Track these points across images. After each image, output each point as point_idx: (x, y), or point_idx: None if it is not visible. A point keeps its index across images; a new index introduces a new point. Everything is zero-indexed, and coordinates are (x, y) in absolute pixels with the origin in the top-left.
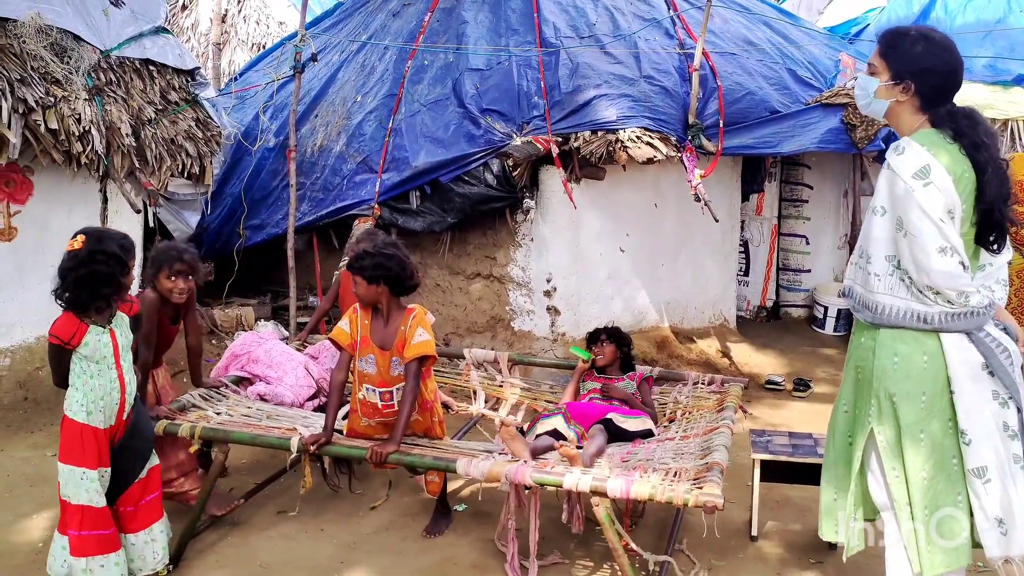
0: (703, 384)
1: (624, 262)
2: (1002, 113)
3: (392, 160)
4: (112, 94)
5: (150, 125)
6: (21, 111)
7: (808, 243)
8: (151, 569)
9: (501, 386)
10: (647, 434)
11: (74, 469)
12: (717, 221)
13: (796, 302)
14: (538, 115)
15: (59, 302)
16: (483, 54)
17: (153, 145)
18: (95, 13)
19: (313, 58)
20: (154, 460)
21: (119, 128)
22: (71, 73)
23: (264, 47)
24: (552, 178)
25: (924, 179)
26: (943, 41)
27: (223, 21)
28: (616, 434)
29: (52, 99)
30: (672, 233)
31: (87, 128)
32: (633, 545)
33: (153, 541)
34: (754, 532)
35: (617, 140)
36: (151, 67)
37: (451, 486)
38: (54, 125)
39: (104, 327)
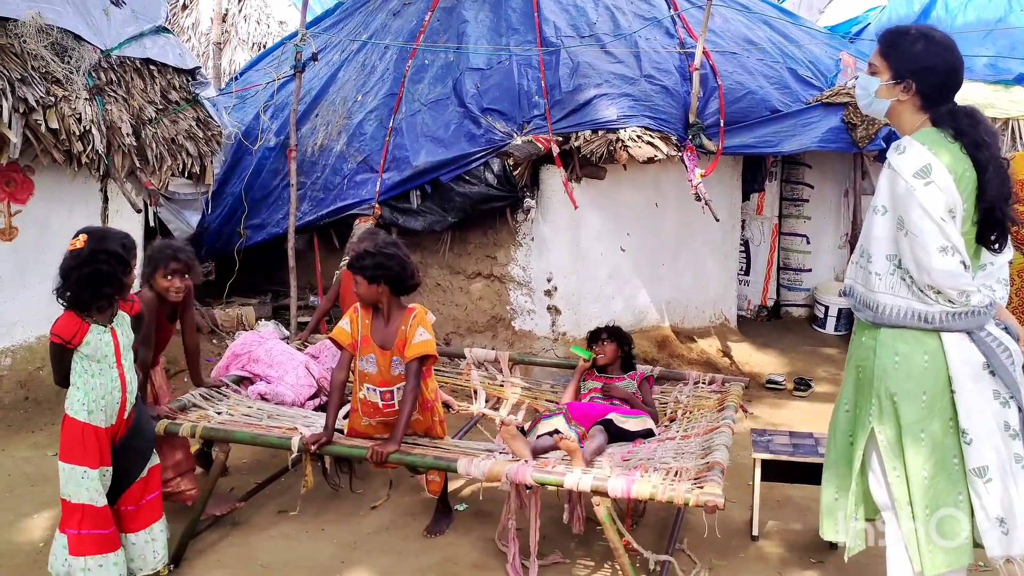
0: (704, 383)
1: (625, 261)
2: (1003, 112)
3: (393, 159)
4: (113, 94)
5: (151, 125)
6: (22, 111)
7: (809, 242)
8: (151, 569)
9: (502, 386)
10: (648, 434)
11: (75, 468)
12: (718, 220)
13: (797, 301)
14: (539, 114)
15: (60, 301)
16: (484, 53)
17: (154, 145)
18: (96, 13)
19: (314, 57)
20: (155, 460)
21: (120, 128)
22: (72, 73)
23: (265, 46)
24: (553, 177)
25: (925, 178)
26: (943, 40)
27: (223, 20)
28: (617, 434)
29: (53, 99)
30: (673, 232)
31: (88, 128)
32: (635, 544)
33: (153, 540)
34: (755, 532)
35: (618, 139)
36: (152, 67)
37: (452, 486)
38: (55, 125)
39: (105, 326)
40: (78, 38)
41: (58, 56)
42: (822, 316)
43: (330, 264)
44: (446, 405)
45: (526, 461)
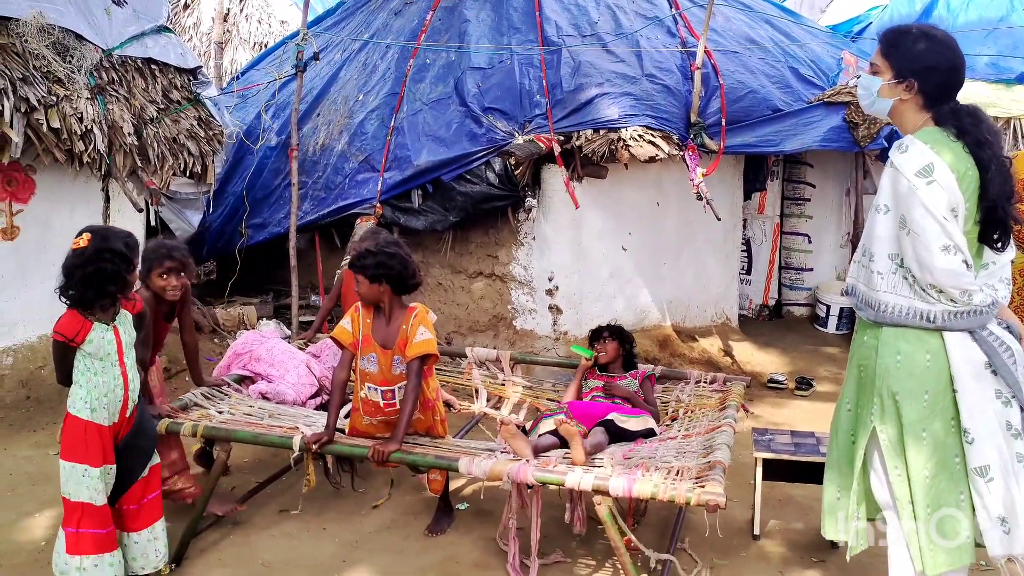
0: (705, 383)
1: (626, 261)
2: (1005, 111)
3: (394, 159)
4: (114, 93)
5: (152, 124)
6: (23, 110)
7: (810, 242)
8: (153, 567)
9: (503, 385)
10: (649, 433)
11: (75, 466)
12: (719, 220)
13: (798, 301)
14: (540, 114)
15: (63, 299)
16: (485, 53)
17: (155, 144)
18: (97, 12)
19: (315, 57)
20: (155, 459)
21: (121, 127)
22: (73, 72)
23: (266, 46)
24: (554, 177)
25: (927, 177)
26: (945, 39)
27: (225, 20)
28: (618, 435)
29: (54, 98)
30: (674, 232)
31: (89, 127)
32: (636, 542)
33: (155, 539)
34: (756, 531)
35: (619, 139)
36: (153, 66)
37: (453, 485)
38: (56, 124)
39: (108, 324)
40: (80, 37)
41: (60, 55)
42: (824, 315)
43: (331, 263)
44: (447, 404)
45: (527, 460)
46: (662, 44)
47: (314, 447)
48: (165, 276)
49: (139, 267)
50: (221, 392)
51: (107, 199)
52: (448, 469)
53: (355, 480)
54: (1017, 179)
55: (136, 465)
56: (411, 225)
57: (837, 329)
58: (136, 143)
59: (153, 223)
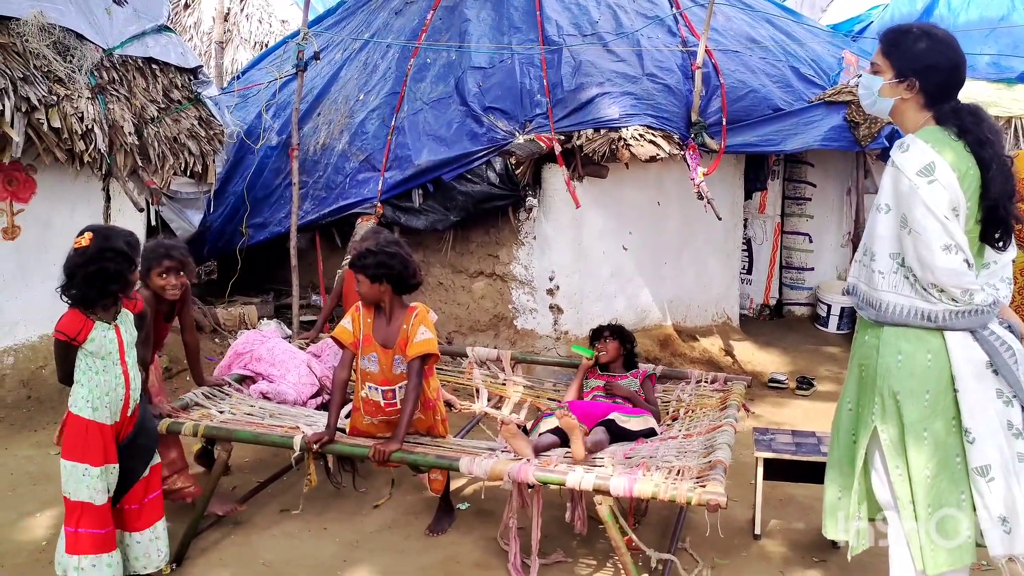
0: (706, 382)
1: (627, 260)
2: (1006, 111)
3: (395, 158)
4: (115, 93)
5: (153, 124)
6: (24, 110)
7: (811, 241)
8: (155, 567)
9: (504, 384)
10: (650, 433)
11: (76, 465)
12: (720, 219)
13: (799, 300)
14: (541, 113)
15: (65, 299)
16: (486, 52)
17: (156, 144)
18: (98, 12)
19: (316, 56)
20: (155, 458)
21: (122, 127)
22: (74, 72)
23: (267, 45)
24: (555, 176)
25: (929, 176)
26: (945, 38)
27: (225, 19)
28: (618, 434)
29: (55, 98)
30: (675, 231)
31: (90, 127)
32: (637, 542)
33: (157, 539)
34: (757, 530)
35: (620, 138)
36: (154, 65)
37: (454, 484)
38: (57, 124)
39: (110, 323)
40: (80, 37)
41: (60, 55)
42: (824, 315)
43: (332, 263)
44: (448, 404)
45: (528, 460)
46: (663, 43)
47: (315, 447)
48: (164, 275)
49: (139, 266)
50: (222, 392)
51: (108, 199)
52: (449, 469)
53: (356, 480)
54: (1018, 178)
55: (138, 465)
56: (412, 225)
57: (838, 329)
58: (137, 143)
59: (154, 223)
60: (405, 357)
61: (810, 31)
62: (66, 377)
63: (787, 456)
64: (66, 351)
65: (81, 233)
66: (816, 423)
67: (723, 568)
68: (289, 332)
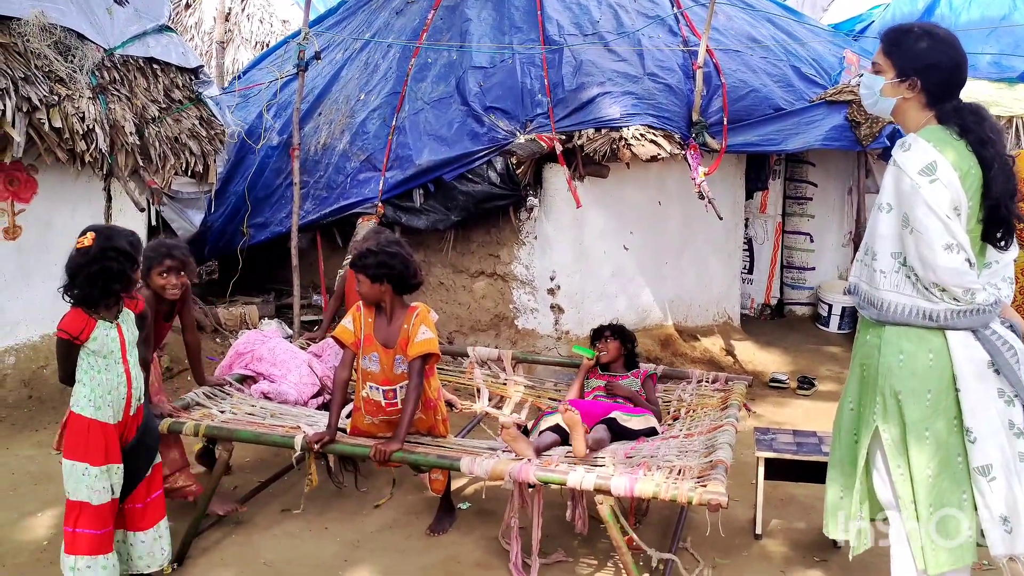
0: (707, 382)
1: (628, 260)
2: (1007, 110)
3: (396, 158)
4: (116, 92)
5: (154, 123)
6: (25, 109)
7: (812, 241)
8: (159, 566)
9: (505, 384)
10: (651, 432)
11: (76, 464)
12: (721, 219)
13: (800, 300)
14: (542, 113)
15: (67, 298)
16: (486, 52)
17: (157, 143)
18: (99, 11)
19: (316, 56)
20: (157, 457)
21: (123, 126)
22: (75, 71)
23: (268, 45)
24: (556, 176)
25: (930, 175)
26: (947, 37)
27: (227, 19)
28: (619, 433)
29: (56, 97)
30: (676, 231)
31: (91, 127)
32: (638, 541)
33: (160, 538)
34: (758, 530)
35: (621, 138)
36: (155, 65)
37: (455, 484)
38: (58, 124)
39: (111, 322)
40: (81, 37)
41: (61, 55)
42: (826, 314)
43: (333, 263)
44: (449, 404)
45: (529, 460)
46: (664, 43)
47: (316, 446)
48: (165, 275)
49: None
50: (223, 391)
51: (109, 199)
52: (450, 468)
53: (357, 480)
54: (1020, 177)
55: (143, 464)
56: (413, 224)
57: (839, 328)
58: (138, 143)
59: (155, 223)
60: (406, 357)
61: (811, 30)
62: (68, 377)
63: (788, 456)
64: (68, 350)
65: (83, 233)
66: (817, 423)
67: (724, 568)
68: (290, 332)
